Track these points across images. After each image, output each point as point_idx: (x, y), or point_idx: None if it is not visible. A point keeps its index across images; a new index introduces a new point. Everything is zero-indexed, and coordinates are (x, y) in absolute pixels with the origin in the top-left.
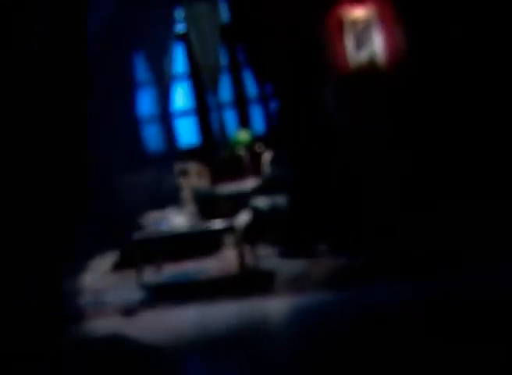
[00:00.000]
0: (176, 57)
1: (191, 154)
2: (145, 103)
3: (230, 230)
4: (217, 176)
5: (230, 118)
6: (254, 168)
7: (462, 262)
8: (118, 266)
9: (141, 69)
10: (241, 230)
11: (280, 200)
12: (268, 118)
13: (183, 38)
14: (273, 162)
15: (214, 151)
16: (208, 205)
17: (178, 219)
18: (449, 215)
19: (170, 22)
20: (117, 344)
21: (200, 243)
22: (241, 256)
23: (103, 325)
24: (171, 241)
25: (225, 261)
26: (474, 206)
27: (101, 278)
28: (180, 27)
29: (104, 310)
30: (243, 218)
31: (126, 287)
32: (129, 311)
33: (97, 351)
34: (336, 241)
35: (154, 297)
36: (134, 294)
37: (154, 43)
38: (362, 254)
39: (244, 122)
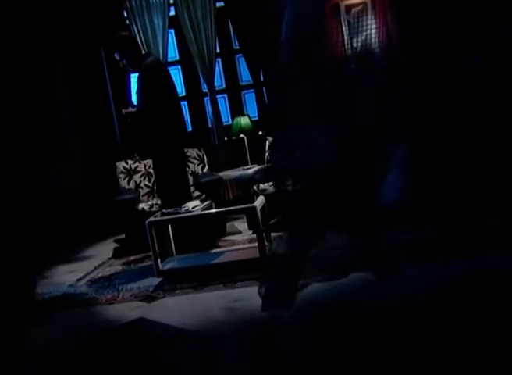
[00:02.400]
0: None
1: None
2: None
3: (251, 211)
4: (216, 162)
5: (222, 104)
6: (255, 153)
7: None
8: (120, 253)
9: None
10: (259, 212)
11: (285, 184)
12: (262, 104)
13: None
14: (273, 147)
15: (208, 137)
16: (211, 191)
17: (192, 203)
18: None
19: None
20: (144, 329)
21: (210, 228)
22: (260, 239)
23: (124, 311)
24: (188, 224)
25: (238, 245)
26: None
27: (106, 265)
28: (172, 12)
29: (121, 296)
30: (261, 200)
31: (138, 273)
32: (149, 296)
33: (125, 337)
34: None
35: (172, 282)
36: (149, 280)
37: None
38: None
39: (237, 108)
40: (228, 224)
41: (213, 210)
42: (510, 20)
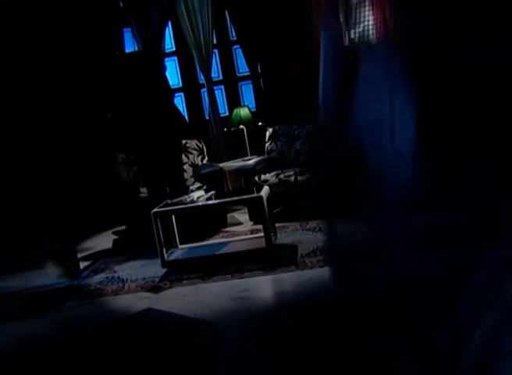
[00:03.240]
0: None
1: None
2: None
3: (257, 201)
4: (214, 153)
5: (218, 95)
6: (255, 144)
7: None
8: (121, 244)
9: (130, 46)
10: (266, 202)
11: (287, 175)
12: (260, 95)
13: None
14: (273, 137)
15: (205, 128)
16: (212, 182)
17: (197, 193)
18: None
19: None
20: (154, 319)
21: (211, 219)
22: (267, 229)
23: (132, 301)
24: (193, 214)
25: (240, 236)
26: None
27: (108, 256)
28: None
29: (126, 287)
30: (266, 190)
31: (141, 264)
32: (155, 286)
33: (136, 327)
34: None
35: (178, 272)
36: (153, 271)
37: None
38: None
39: (234, 99)
40: (227, 216)
41: (220, 200)
42: (506, 12)
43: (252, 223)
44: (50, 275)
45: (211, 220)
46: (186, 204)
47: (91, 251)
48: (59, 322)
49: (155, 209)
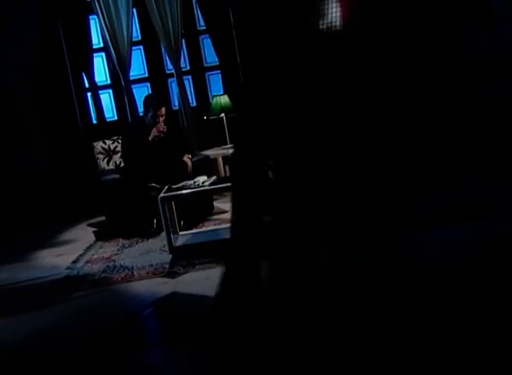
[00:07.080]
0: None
1: None
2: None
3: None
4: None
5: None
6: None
7: None
8: (104, 235)
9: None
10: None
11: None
12: (228, 85)
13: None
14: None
15: (176, 117)
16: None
17: (201, 178)
18: None
19: None
20: (187, 302)
21: (199, 206)
22: None
23: (150, 287)
24: (193, 200)
25: None
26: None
27: (97, 247)
28: None
29: (136, 274)
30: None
31: (139, 252)
32: (170, 272)
33: (171, 310)
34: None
35: (187, 257)
36: (157, 257)
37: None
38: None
39: (202, 89)
40: None
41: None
42: (471, 7)
43: None
44: (40, 268)
45: (201, 208)
46: (192, 188)
47: (75, 243)
48: (75, 311)
49: (162, 194)
